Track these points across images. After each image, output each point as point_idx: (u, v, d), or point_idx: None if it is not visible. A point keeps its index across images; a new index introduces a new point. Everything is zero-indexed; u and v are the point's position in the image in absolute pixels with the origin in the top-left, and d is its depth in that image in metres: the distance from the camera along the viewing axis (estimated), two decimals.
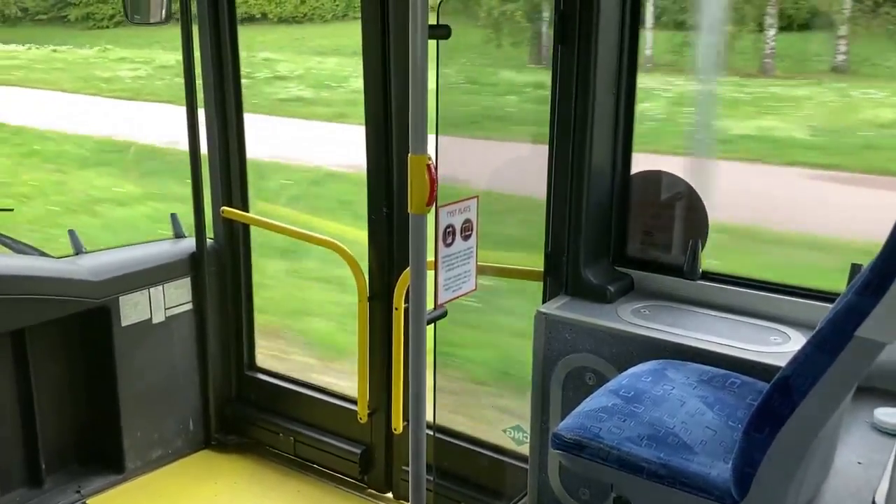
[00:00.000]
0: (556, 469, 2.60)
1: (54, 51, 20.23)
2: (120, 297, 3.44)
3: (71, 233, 3.60)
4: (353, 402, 3.51)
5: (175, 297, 3.65)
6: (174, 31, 3.52)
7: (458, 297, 2.32)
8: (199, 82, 3.61)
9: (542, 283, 2.72)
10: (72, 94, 16.35)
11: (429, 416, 2.28)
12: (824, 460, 1.87)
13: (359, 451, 3.52)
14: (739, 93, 6.96)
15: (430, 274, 2.19)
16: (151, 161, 11.48)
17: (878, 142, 6.25)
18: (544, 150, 2.63)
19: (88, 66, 18.78)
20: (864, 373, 1.52)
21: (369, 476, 3.55)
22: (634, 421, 1.88)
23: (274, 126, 9.94)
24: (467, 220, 2.28)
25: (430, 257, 2.17)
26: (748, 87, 7.41)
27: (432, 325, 2.29)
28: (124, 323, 3.47)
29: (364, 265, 3.36)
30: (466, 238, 2.28)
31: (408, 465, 2.29)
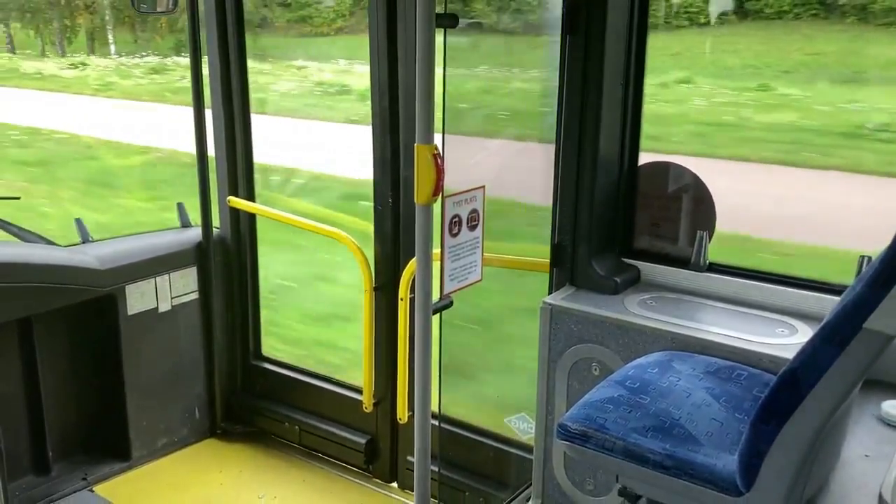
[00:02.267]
0: (562, 459, 2.60)
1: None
2: (126, 286, 3.45)
3: (78, 221, 3.61)
4: (359, 391, 3.51)
5: (181, 286, 3.66)
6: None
7: (463, 288, 2.31)
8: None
9: (548, 274, 2.72)
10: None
11: (434, 406, 2.28)
12: (831, 453, 1.86)
13: (364, 441, 3.53)
14: None
15: (436, 264, 2.19)
16: None
17: None
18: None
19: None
20: (871, 365, 1.51)
21: (374, 465, 3.56)
22: (640, 412, 1.87)
23: None
24: (474, 211, 2.27)
25: (436, 248, 2.17)
26: None
27: (438, 315, 2.29)
28: (130, 311, 3.48)
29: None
30: (473, 228, 2.28)
31: (412, 455, 2.29)
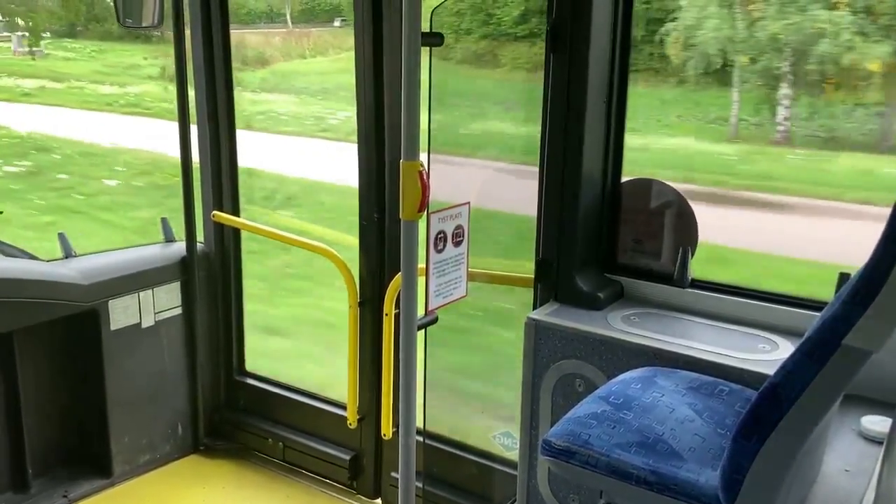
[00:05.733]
0: (546, 475, 2.60)
1: None
2: (109, 301, 3.43)
3: (61, 236, 3.59)
4: (343, 407, 3.50)
5: (165, 302, 3.64)
6: None
7: (448, 304, 2.32)
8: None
9: (532, 290, 2.73)
10: None
11: (418, 423, 2.28)
12: (812, 468, 1.88)
13: (348, 457, 3.52)
14: None
15: (421, 280, 2.19)
16: None
17: None
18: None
19: None
20: (851, 381, 1.53)
21: (358, 482, 3.54)
22: (624, 428, 1.88)
23: None
24: (459, 227, 2.28)
25: (422, 263, 2.18)
26: None
27: (422, 331, 2.30)
28: (113, 327, 3.45)
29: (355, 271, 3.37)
30: (458, 244, 2.29)
31: (397, 471, 2.29)
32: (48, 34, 17.26)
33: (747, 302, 2.49)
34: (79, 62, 17.12)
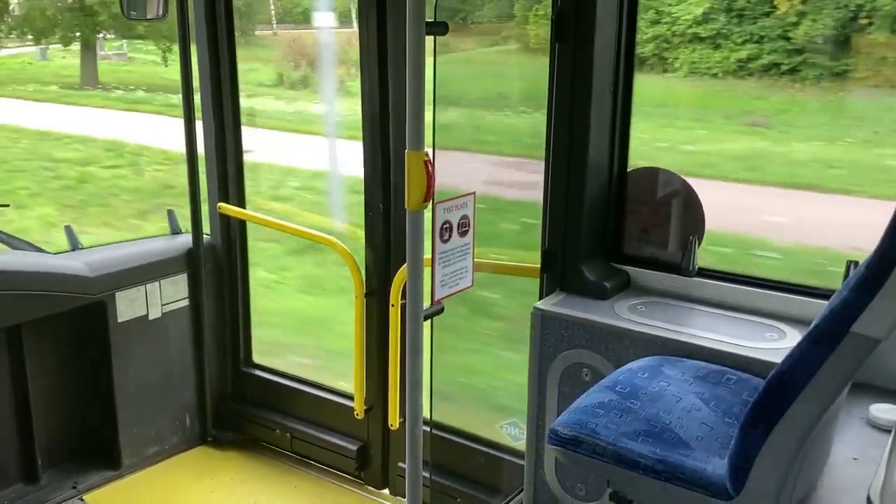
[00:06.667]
0: (553, 465, 2.60)
1: None
2: (116, 293, 3.43)
3: (67, 228, 3.60)
4: (350, 398, 3.51)
5: (171, 293, 3.65)
6: None
7: (454, 294, 2.32)
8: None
9: (538, 280, 2.73)
10: None
11: (425, 412, 2.28)
12: (820, 456, 1.88)
13: (355, 448, 3.53)
14: None
15: (427, 270, 2.19)
16: None
17: None
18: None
19: None
20: (859, 369, 1.53)
21: (366, 472, 3.55)
22: (631, 417, 1.88)
23: None
24: (464, 217, 2.28)
25: (428, 254, 2.17)
26: None
27: (429, 321, 2.30)
28: (120, 319, 3.46)
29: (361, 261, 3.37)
30: (463, 234, 2.28)
31: (404, 462, 2.29)
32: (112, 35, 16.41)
33: (754, 290, 2.48)
34: (163, 66, 15.75)
